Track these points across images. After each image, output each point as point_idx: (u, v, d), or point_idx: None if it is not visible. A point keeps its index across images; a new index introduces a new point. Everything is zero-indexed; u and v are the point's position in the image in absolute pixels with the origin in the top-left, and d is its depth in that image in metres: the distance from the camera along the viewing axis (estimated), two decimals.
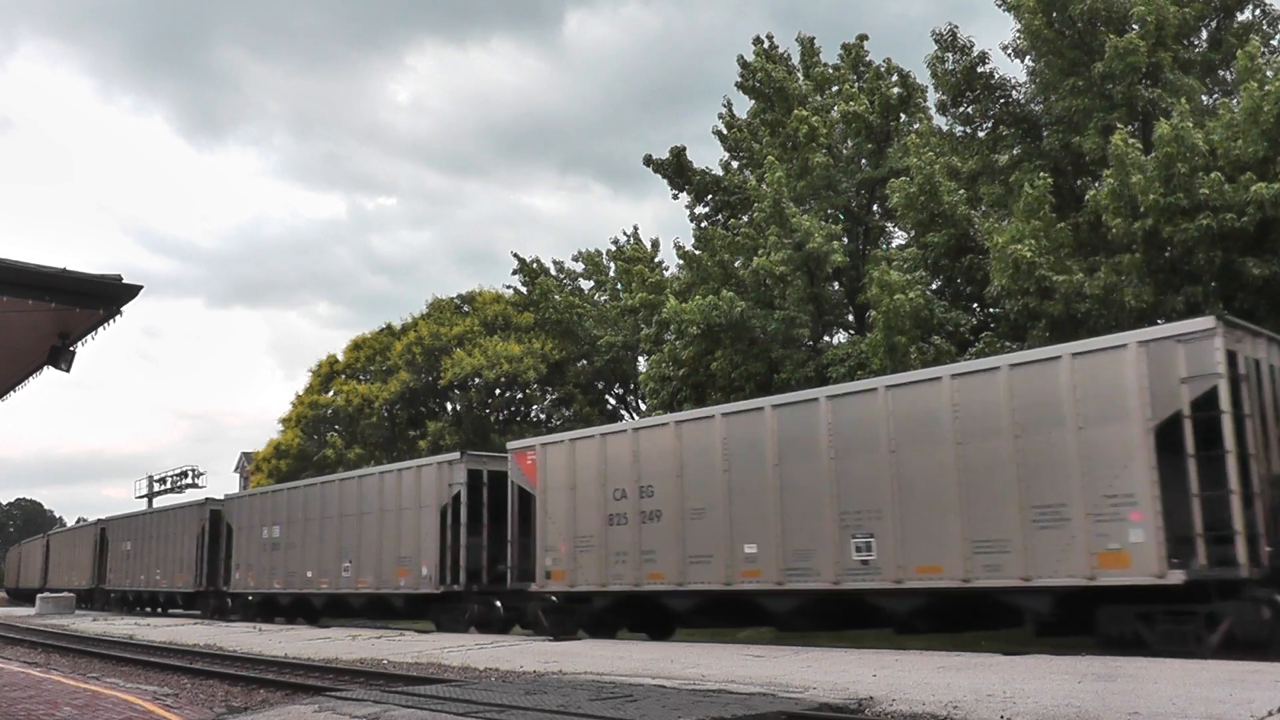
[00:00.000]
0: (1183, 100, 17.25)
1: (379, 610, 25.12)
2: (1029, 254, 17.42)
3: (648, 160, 29.51)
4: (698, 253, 27.74)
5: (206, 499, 34.65)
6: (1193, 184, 15.90)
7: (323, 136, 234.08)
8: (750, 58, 27.80)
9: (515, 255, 55.95)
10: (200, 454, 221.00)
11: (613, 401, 40.59)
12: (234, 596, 31.29)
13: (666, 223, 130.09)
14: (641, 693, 9.77)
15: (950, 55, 21.66)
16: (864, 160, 26.46)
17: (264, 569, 29.20)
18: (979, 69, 21.54)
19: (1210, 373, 11.61)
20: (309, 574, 27.04)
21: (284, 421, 44.93)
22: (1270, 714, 7.32)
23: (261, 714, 10.59)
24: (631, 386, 38.86)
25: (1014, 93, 21.65)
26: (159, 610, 37.78)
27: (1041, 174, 18.72)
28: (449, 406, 41.27)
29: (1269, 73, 17.15)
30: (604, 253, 40.87)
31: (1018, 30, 20.63)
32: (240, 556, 30.51)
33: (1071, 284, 17.27)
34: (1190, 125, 16.18)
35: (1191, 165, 16.03)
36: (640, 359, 35.19)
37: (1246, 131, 16.23)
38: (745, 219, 27.34)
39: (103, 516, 45.04)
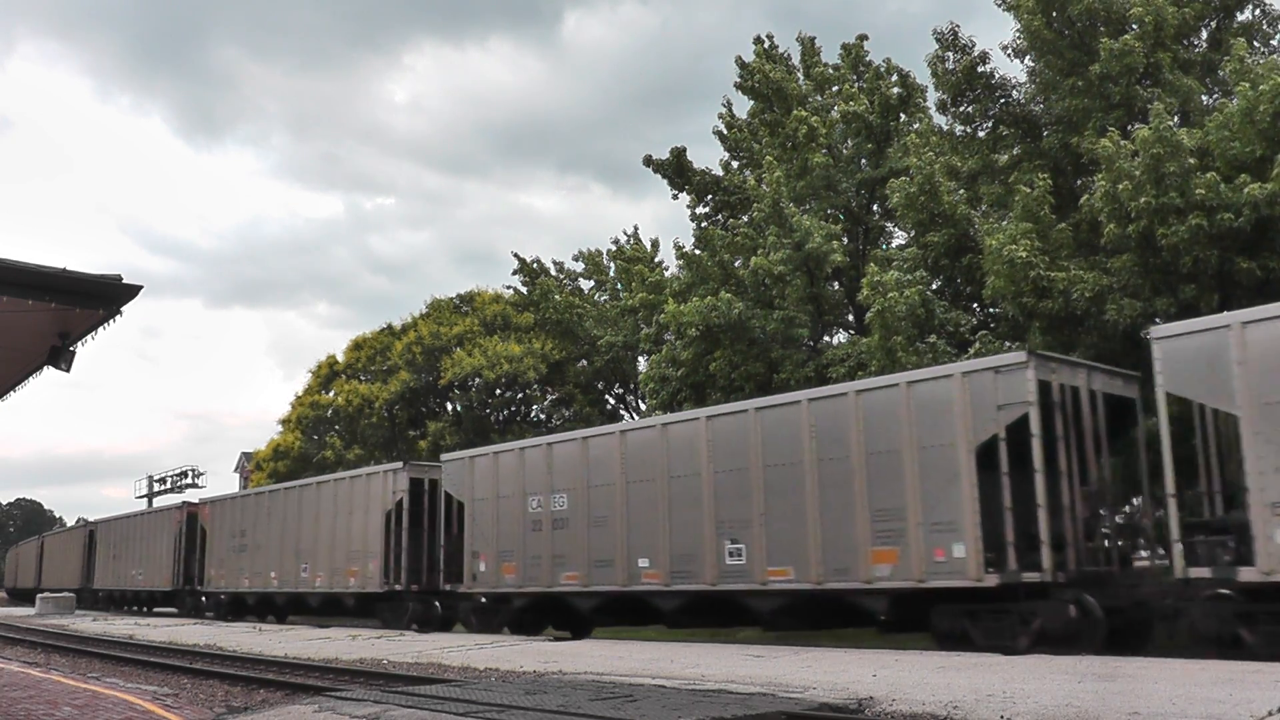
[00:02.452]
0: (1158, 104, 17.15)
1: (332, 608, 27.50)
2: (1024, 254, 17.39)
3: (647, 160, 29.48)
4: (697, 253, 27.70)
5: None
6: (1187, 184, 15.87)
7: (321, 136, 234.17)
8: (749, 58, 27.76)
9: (515, 255, 55.89)
10: (200, 454, 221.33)
11: (612, 401, 40.57)
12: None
13: (666, 223, 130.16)
14: (641, 693, 9.77)
15: (950, 55, 21.65)
16: (864, 160, 26.42)
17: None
18: (979, 69, 21.53)
19: (1022, 400, 12.78)
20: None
21: (283, 422, 44.87)
22: (1270, 714, 7.33)
23: (261, 714, 10.59)
24: (631, 386, 38.84)
25: (1014, 93, 21.64)
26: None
27: (1041, 175, 18.68)
28: (449, 406, 41.24)
29: (1262, 73, 17.10)
30: (604, 253, 40.80)
31: (1017, 30, 20.63)
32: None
33: (1069, 279, 17.25)
34: (1173, 124, 16.13)
35: (1182, 165, 15.99)
36: (640, 359, 35.17)
37: (1243, 132, 16.20)
38: (745, 219, 27.31)
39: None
